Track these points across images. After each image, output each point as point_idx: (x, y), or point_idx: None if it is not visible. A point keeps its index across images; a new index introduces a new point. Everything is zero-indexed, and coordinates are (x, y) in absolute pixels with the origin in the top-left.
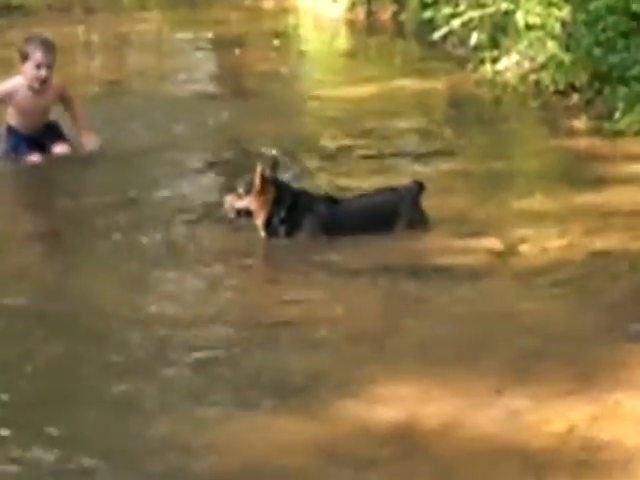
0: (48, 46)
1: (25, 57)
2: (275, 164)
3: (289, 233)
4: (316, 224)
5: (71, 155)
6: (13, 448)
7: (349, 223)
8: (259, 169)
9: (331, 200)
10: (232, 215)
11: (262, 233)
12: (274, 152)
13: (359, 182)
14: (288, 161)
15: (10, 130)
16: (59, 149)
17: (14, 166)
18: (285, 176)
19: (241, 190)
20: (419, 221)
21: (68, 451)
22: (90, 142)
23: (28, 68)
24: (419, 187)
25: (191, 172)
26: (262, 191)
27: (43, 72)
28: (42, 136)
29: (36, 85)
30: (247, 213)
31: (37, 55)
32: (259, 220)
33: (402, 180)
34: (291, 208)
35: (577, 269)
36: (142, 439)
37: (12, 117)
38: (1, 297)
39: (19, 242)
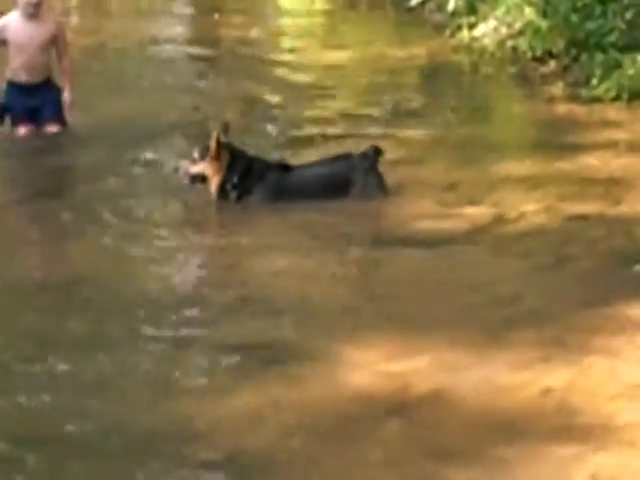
0: None
1: None
2: (226, 128)
3: (240, 198)
4: (268, 190)
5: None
6: None
7: (302, 190)
8: (215, 134)
9: (284, 167)
10: (186, 181)
11: (214, 197)
12: (227, 117)
13: (326, 149)
14: (249, 127)
15: (8, 85)
16: (50, 128)
17: (3, 136)
18: (241, 142)
19: (196, 155)
20: (375, 187)
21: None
22: (69, 98)
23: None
24: (375, 153)
25: (156, 138)
26: (216, 157)
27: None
28: (39, 95)
29: (29, 9)
30: (202, 179)
31: None
32: (213, 185)
33: (383, 147)
34: (244, 174)
35: (554, 235)
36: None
37: (11, 65)
38: None
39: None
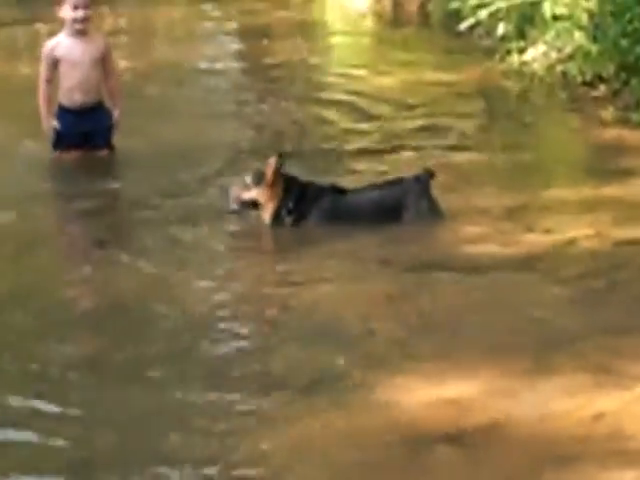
0: None
1: (61, 1)
2: (283, 156)
3: (295, 223)
4: (322, 215)
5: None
6: None
7: (355, 214)
8: (272, 161)
9: (337, 191)
10: (236, 206)
11: (267, 223)
12: (285, 145)
13: (378, 174)
14: (304, 151)
15: (61, 110)
16: (100, 153)
17: (54, 155)
18: (295, 167)
19: (249, 181)
20: (428, 211)
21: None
22: (116, 119)
23: (65, 11)
24: (428, 176)
25: (203, 163)
26: (272, 183)
27: (80, 12)
28: (89, 120)
29: (77, 26)
30: (254, 205)
31: None
32: (267, 211)
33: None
34: (299, 200)
35: (605, 260)
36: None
37: (63, 87)
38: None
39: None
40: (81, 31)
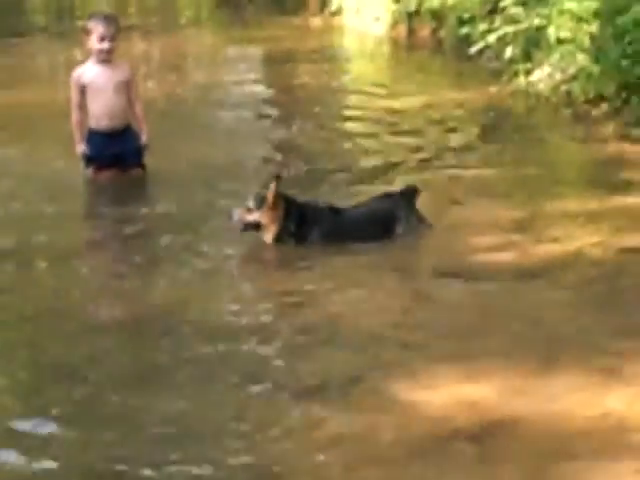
0: (109, 19)
1: (89, 32)
2: (280, 180)
3: (298, 244)
4: (321, 234)
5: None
6: None
7: (352, 231)
8: (273, 186)
9: (334, 210)
10: (241, 227)
11: (269, 243)
12: (287, 166)
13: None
14: (327, 168)
15: (91, 134)
16: (133, 172)
17: (88, 177)
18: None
19: (251, 204)
20: (416, 222)
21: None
22: (145, 138)
23: (92, 42)
24: (413, 191)
25: (225, 183)
26: (274, 206)
27: (106, 44)
28: (118, 142)
29: (102, 56)
30: (255, 226)
31: (99, 28)
32: (269, 234)
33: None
34: (299, 221)
35: (608, 268)
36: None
37: (91, 113)
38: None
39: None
40: (106, 60)
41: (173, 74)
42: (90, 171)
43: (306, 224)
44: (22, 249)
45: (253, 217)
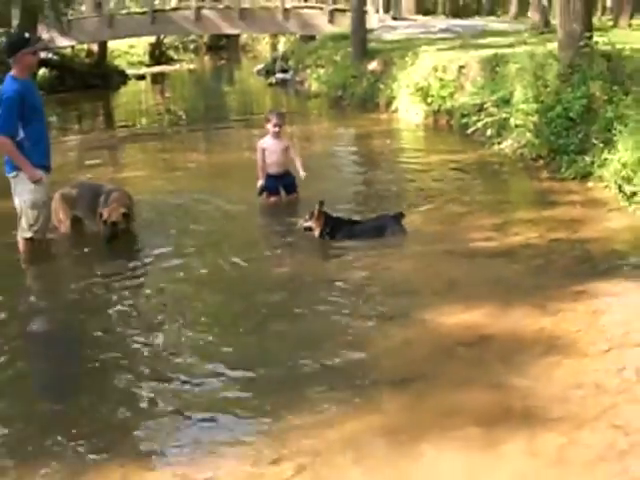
0: (279, 114)
1: (268, 120)
2: (322, 203)
3: (330, 239)
4: (344, 235)
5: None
6: None
7: (361, 234)
8: (318, 206)
9: (352, 222)
10: (304, 230)
11: (317, 237)
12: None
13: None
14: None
15: (268, 176)
16: (290, 197)
17: (264, 201)
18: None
19: (307, 217)
20: (399, 230)
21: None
22: (301, 172)
23: (269, 126)
24: (400, 214)
25: (341, 202)
26: (318, 218)
27: (277, 128)
28: (283, 180)
29: (274, 135)
30: (310, 229)
31: (274, 119)
32: (316, 232)
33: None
34: (332, 227)
35: (543, 248)
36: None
37: (268, 165)
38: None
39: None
40: (277, 135)
41: (307, 142)
42: (264, 196)
43: (335, 228)
44: (220, 242)
45: (309, 224)
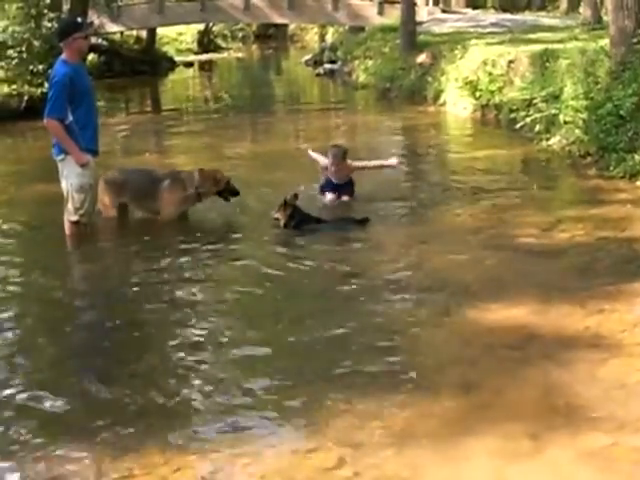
0: (336, 152)
1: (326, 155)
2: (296, 196)
3: (294, 229)
4: (306, 227)
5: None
6: None
7: (322, 230)
8: (288, 198)
9: (318, 220)
10: (274, 219)
11: (282, 226)
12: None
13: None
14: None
15: (326, 180)
16: (344, 197)
17: (320, 199)
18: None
19: (277, 208)
20: (354, 224)
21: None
22: (394, 162)
23: (328, 162)
24: (365, 219)
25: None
26: (285, 209)
27: (334, 167)
28: (341, 186)
29: (332, 172)
30: (276, 219)
31: (330, 156)
32: (281, 222)
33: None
34: (298, 221)
35: (589, 247)
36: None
37: (328, 174)
38: None
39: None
40: (336, 172)
41: (353, 133)
42: (324, 195)
43: (300, 222)
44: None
45: (276, 215)
